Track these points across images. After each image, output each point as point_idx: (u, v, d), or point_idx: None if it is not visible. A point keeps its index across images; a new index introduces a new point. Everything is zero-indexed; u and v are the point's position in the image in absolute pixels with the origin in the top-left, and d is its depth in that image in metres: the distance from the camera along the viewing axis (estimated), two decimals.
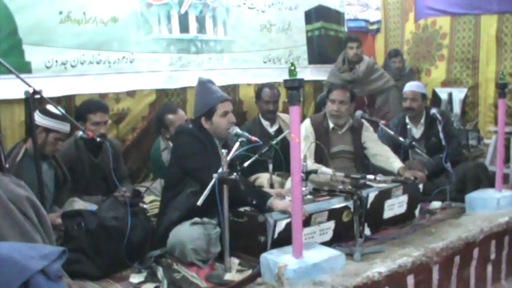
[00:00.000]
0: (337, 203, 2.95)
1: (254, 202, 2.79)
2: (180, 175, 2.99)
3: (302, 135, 3.29)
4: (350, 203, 2.91)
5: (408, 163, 3.84)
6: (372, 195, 3.09)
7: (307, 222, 2.68)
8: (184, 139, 3.04)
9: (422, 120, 4.20)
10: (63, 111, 2.96)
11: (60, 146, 3.11)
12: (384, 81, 5.34)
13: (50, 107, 2.94)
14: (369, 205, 3.06)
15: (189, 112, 4.42)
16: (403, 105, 4.26)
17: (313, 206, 2.86)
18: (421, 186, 3.49)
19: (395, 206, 3.27)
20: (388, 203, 3.22)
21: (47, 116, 2.95)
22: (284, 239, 2.57)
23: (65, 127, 3.03)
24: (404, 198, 3.31)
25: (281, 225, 2.64)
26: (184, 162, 2.98)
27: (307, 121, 3.87)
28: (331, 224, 2.87)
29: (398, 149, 3.96)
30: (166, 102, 4.37)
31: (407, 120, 4.24)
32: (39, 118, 2.90)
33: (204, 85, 3.12)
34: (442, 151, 3.84)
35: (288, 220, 2.63)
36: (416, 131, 4.21)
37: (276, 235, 2.63)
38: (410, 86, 4.29)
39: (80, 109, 3.50)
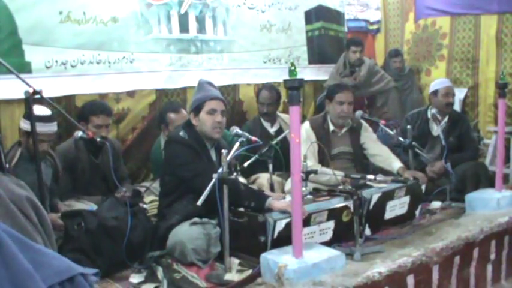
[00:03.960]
0: (337, 203, 2.95)
1: (252, 205, 2.79)
2: (175, 183, 2.99)
3: (302, 138, 3.30)
4: (350, 203, 2.92)
5: (430, 164, 3.95)
6: (375, 197, 3.08)
7: (306, 222, 2.68)
8: (175, 148, 3.02)
9: (446, 119, 4.20)
10: (60, 108, 2.94)
11: (51, 144, 3.08)
12: (384, 82, 5.33)
13: (35, 109, 2.87)
14: (371, 206, 3.06)
15: None
16: (444, 100, 4.19)
17: (313, 206, 2.86)
18: (423, 187, 3.49)
19: (397, 207, 3.27)
20: (390, 204, 3.22)
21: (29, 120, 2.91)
22: (284, 239, 2.57)
23: (51, 127, 2.98)
24: (407, 199, 3.31)
25: (281, 225, 2.64)
26: (178, 171, 2.97)
27: (307, 124, 3.85)
28: (331, 224, 2.87)
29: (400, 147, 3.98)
30: (172, 100, 4.38)
31: (429, 116, 4.22)
32: (24, 124, 2.88)
33: (201, 85, 3.14)
34: (458, 152, 3.99)
35: (288, 220, 2.63)
36: (437, 129, 4.20)
37: (275, 235, 2.63)
38: (444, 82, 4.32)
39: (83, 110, 3.49)
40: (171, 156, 3.04)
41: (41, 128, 2.93)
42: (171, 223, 2.86)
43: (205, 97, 3.05)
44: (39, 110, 2.90)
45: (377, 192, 3.12)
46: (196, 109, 3.04)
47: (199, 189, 2.67)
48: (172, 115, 3.91)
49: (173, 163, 3.00)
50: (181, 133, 3.05)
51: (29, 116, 2.84)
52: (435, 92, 4.25)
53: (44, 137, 2.97)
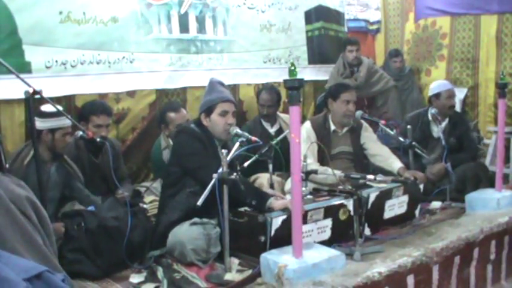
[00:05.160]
0: (334, 201, 2.95)
1: (253, 203, 2.79)
2: (179, 174, 3.00)
3: (303, 138, 3.30)
4: (346, 201, 2.93)
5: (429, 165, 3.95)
6: (372, 196, 3.09)
7: (303, 219, 2.68)
8: (184, 138, 3.06)
9: (447, 120, 4.20)
10: (60, 108, 2.95)
11: (69, 139, 3.10)
12: (384, 82, 5.34)
13: (44, 107, 2.92)
14: (369, 205, 3.06)
15: (190, 112, 4.42)
16: (447, 103, 4.20)
17: (313, 206, 2.86)
18: (421, 186, 3.49)
19: (396, 206, 3.27)
20: (388, 203, 3.22)
21: (45, 117, 2.93)
22: (281, 236, 2.58)
23: (66, 121, 3.01)
24: (405, 199, 3.31)
25: (277, 222, 2.65)
26: (184, 162, 2.99)
27: (308, 124, 3.85)
28: (329, 222, 2.88)
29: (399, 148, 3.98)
30: (171, 100, 4.38)
31: (429, 118, 4.21)
32: (39, 123, 2.88)
33: (213, 85, 3.17)
34: (457, 152, 3.99)
35: (284, 217, 2.64)
36: (438, 130, 4.19)
37: (272, 232, 2.64)
38: (446, 85, 4.30)
39: (83, 110, 3.49)
40: (179, 145, 3.07)
41: (57, 122, 2.97)
42: (172, 220, 2.87)
43: (218, 99, 3.07)
44: (47, 107, 2.92)
45: (375, 191, 3.12)
46: (208, 110, 3.06)
47: (202, 181, 2.71)
48: (172, 114, 3.93)
49: (181, 152, 3.03)
50: (192, 125, 3.11)
51: (37, 115, 2.88)
52: (437, 95, 4.22)
53: (66, 130, 3.02)
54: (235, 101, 3.20)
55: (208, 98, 3.11)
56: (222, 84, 3.20)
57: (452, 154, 3.97)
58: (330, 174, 3.20)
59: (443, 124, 4.20)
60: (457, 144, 4.13)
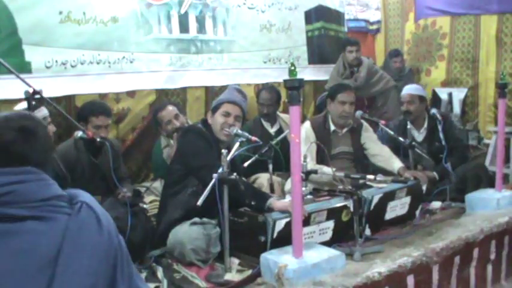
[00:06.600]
0: (337, 203, 2.95)
1: (253, 203, 2.79)
2: (182, 173, 3.01)
3: (302, 138, 3.29)
4: (349, 203, 2.92)
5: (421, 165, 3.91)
6: (376, 198, 3.07)
7: (306, 221, 2.68)
8: (191, 136, 3.08)
9: (425, 125, 4.13)
10: (60, 108, 2.94)
11: (52, 128, 3.05)
12: (384, 82, 5.33)
13: (17, 107, 2.85)
14: (372, 207, 3.05)
15: (190, 112, 4.43)
16: (401, 108, 4.22)
17: (313, 206, 2.86)
18: (424, 187, 3.48)
19: (398, 207, 3.26)
20: (391, 205, 3.20)
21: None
22: (283, 239, 2.57)
23: (42, 112, 2.91)
24: (407, 200, 3.30)
25: (280, 225, 2.64)
26: (188, 160, 3.00)
27: (308, 124, 3.84)
28: (331, 224, 2.87)
29: (399, 149, 3.95)
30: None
31: (408, 125, 4.07)
32: None
33: (228, 89, 3.30)
34: (448, 155, 3.87)
35: (287, 219, 2.63)
36: (419, 135, 4.15)
37: (275, 234, 2.63)
38: (407, 89, 4.19)
39: (82, 110, 3.47)
40: (185, 143, 3.09)
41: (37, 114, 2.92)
42: (173, 218, 2.87)
43: (224, 99, 3.12)
44: (19, 106, 2.86)
45: (378, 193, 3.11)
46: (214, 109, 3.12)
47: (203, 180, 2.71)
48: (160, 114, 3.94)
49: (185, 151, 3.05)
50: (199, 125, 3.14)
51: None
52: (400, 101, 4.20)
53: (45, 121, 2.92)
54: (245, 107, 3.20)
55: (218, 98, 3.20)
56: (238, 90, 3.26)
57: (438, 160, 3.89)
58: (329, 173, 3.19)
59: (421, 130, 4.16)
60: (442, 148, 3.98)
